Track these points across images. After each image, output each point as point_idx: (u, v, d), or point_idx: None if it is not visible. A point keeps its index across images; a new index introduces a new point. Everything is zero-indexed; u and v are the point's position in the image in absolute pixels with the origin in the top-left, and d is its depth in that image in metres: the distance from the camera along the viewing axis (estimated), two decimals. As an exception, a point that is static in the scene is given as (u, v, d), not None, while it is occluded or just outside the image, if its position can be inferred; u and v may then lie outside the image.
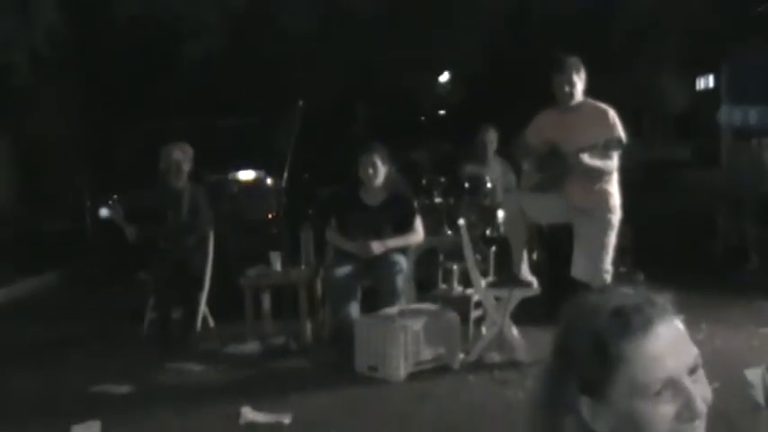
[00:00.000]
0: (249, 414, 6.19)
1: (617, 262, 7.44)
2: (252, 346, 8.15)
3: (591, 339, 1.68)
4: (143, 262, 8.82)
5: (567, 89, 7.02)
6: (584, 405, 1.70)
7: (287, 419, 6.09)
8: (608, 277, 7.11)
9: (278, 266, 8.54)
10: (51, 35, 12.87)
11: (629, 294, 1.73)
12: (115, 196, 10.18)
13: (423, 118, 20.05)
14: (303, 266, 8.65)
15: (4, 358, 7.80)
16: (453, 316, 7.43)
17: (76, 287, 11.69)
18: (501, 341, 7.39)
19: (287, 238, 9.57)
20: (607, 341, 1.66)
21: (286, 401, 6.50)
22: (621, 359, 1.65)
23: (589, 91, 7.16)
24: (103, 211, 10.18)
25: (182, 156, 8.89)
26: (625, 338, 1.65)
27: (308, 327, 8.32)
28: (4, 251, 8.03)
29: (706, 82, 16.76)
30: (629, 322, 1.66)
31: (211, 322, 8.96)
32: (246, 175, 11.11)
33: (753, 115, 13.96)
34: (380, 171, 7.99)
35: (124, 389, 7.03)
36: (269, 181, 11.01)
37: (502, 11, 14.40)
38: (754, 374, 6.01)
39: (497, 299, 7.47)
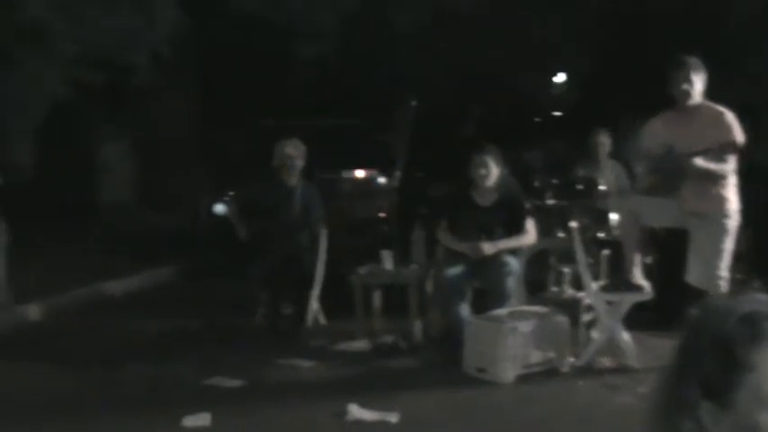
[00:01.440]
0: (356, 411, 6.22)
1: (733, 268, 7.27)
2: (361, 344, 8.20)
3: (717, 343, 1.63)
4: (256, 258, 8.92)
5: (684, 87, 6.87)
6: (706, 411, 1.65)
7: (394, 418, 6.10)
8: (724, 284, 6.95)
9: (389, 265, 8.57)
10: (172, 36, 13.09)
11: (761, 301, 1.68)
12: (231, 193, 10.36)
13: (537, 119, 19.87)
14: (414, 266, 8.66)
15: (120, 349, 7.98)
16: (563, 319, 7.36)
17: (191, 281, 11.91)
18: (612, 346, 7.30)
19: (398, 237, 9.60)
20: (734, 347, 1.61)
21: (393, 400, 6.51)
22: (748, 367, 1.60)
23: (706, 92, 7.02)
24: (219, 208, 10.34)
25: (294, 152, 8.99)
26: (754, 346, 1.60)
27: (418, 326, 8.33)
28: (124, 246, 8.24)
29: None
30: (760, 330, 1.61)
31: (323, 319, 9.02)
32: (359, 173, 11.17)
33: None
34: (493, 172, 7.98)
35: (235, 383, 7.13)
36: (381, 180, 11.05)
37: (615, 9, 14.25)
38: None
39: (609, 303, 7.38)
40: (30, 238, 8.24)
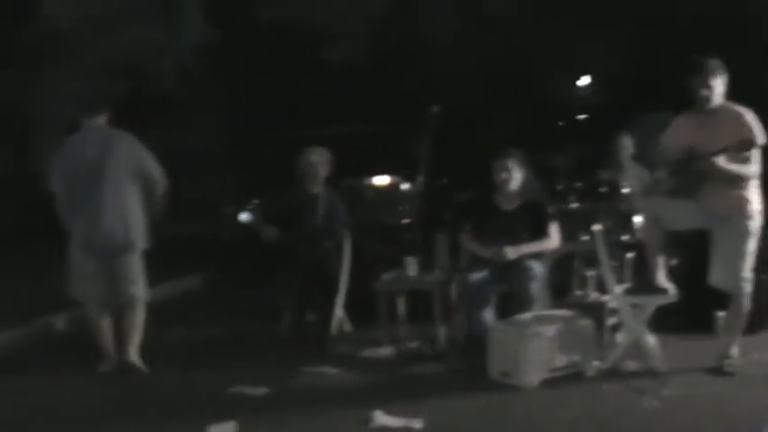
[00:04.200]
0: (381, 418, 6.22)
1: (759, 269, 7.24)
2: (386, 351, 8.21)
3: None
4: (280, 266, 8.94)
5: (704, 93, 6.88)
6: None
7: (418, 424, 6.10)
8: (748, 285, 6.94)
9: (413, 271, 8.58)
10: (200, 46, 13.18)
11: None
12: (256, 201, 10.40)
13: (561, 122, 19.86)
14: (438, 271, 8.67)
15: (145, 357, 8.01)
16: (588, 323, 7.35)
17: (216, 290, 11.95)
18: (637, 349, 7.27)
19: (422, 243, 9.61)
20: None
21: (418, 406, 6.51)
22: None
23: (731, 93, 7.01)
24: (244, 216, 10.38)
25: (318, 159, 9.04)
26: None
27: (443, 332, 8.33)
28: (149, 254, 8.31)
29: None
30: None
31: (348, 326, 9.04)
32: (382, 180, 11.18)
33: None
34: (515, 176, 8.00)
35: (260, 390, 7.15)
36: (405, 186, 11.06)
37: (645, 13, 14.22)
38: None
39: (634, 306, 7.36)
40: (54, 247, 8.34)
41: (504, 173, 7.98)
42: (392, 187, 11.15)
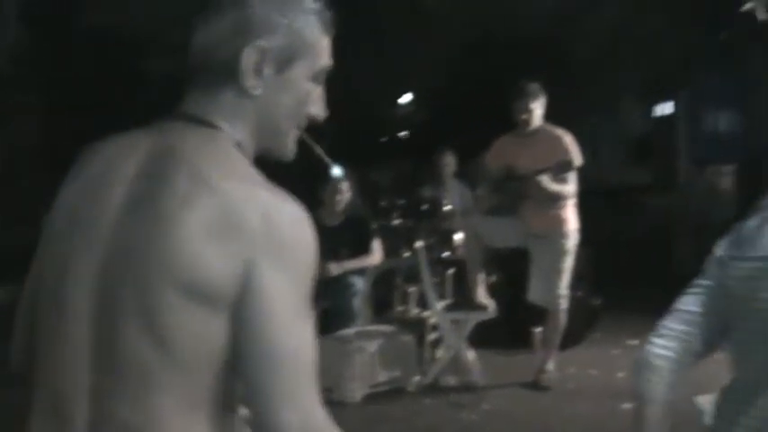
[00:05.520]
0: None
1: (574, 286, 7.47)
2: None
3: None
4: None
5: (524, 116, 7.08)
6: None
7: (240, 441, 6.04)
8: (564, 302, 7.15)
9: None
10: (13, 53, 12.78)
11: None
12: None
13: (383, 139, 20.08)
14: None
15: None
16: (409, 338, 7.42)
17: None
18: (457, 364, 7.38)
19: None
20: None
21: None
22: None
23: (548, 115, 7.22)
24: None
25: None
26: None
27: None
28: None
29: (664, 109, 16.91)
30: None
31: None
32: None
33: (710, 142, 14.09)
34: (346, 195, 8.02)
35: None
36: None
37: (462, 35, 14.47)
38: (705, 401, 6.01)
39: (454, 321, 7.47)
40: None
41: (336, 195, 7.98)
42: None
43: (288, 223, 1.78)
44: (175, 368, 1.72)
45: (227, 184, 1.74)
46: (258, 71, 1.86)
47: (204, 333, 1.72)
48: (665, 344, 2.42)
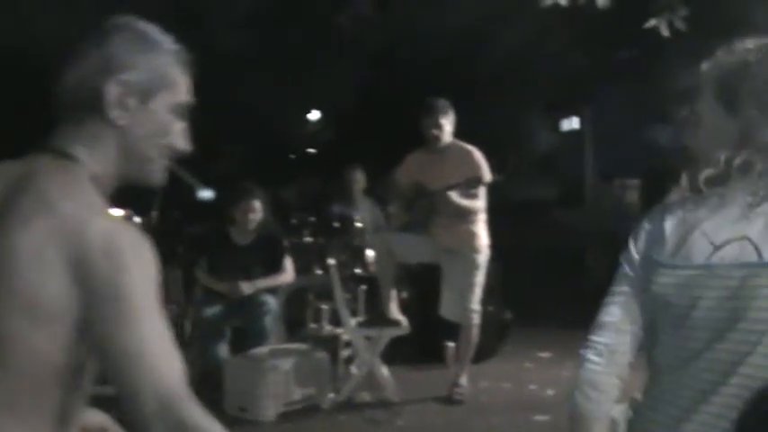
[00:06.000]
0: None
1: (485, 301, 7.54)
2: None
3: None
4: None
5: (434, 132, 7.14)
6: None
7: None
8: (476, 317, 7.22)
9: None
10: None
11: None
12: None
13: (292, 156, 20.04)
14: (171, 306, 8.52)
15: None
16: (323, 355, 7.41)
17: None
18: (371, 380, 7.39)
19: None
20: None
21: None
22: None
23: (457, 131, 7.28)
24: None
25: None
26: None
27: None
28: None
29: (570, 123, 17.21)
30: None
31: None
32: (116, 212, 10.90)
33: (615, 156, 14.36)
34: (259, 214, 7.98)
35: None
36: (137, 219, 10.83)
37: (367, 53, 14.55)
38: (618, 411, 6.11)
39: (367, 338, 7.49)
40: None
41: (249, 213, 7.93)
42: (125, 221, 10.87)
43: (128, 244, 1.88)
44: (9, 381, 1.83)
45: (68, 207, 1.85)
46: (122, 103, 2.00)
47: (41, 350, 1.83)
48: (598, 359, 2.41)
